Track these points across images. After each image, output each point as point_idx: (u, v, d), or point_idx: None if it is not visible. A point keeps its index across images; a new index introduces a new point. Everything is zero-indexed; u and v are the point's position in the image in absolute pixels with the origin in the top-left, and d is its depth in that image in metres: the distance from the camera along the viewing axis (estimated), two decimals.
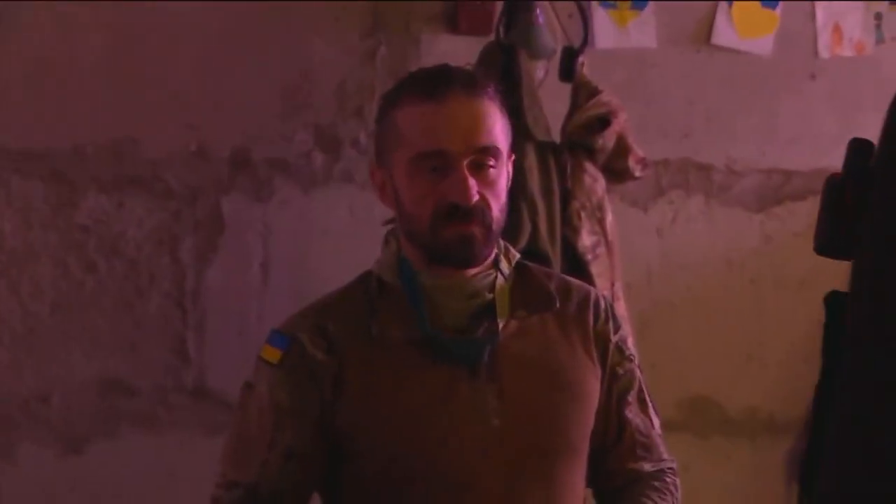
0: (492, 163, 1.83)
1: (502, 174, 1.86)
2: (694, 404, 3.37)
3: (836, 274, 3.64)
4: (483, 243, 1.84)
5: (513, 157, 1.91)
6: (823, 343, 2.94)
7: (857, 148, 1.97)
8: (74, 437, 3.05)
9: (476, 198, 1.81)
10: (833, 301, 2.83)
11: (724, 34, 3.31)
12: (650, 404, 2.02)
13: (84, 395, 3.04)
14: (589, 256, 2.89)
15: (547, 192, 2.86)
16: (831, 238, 3.00)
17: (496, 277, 1.89)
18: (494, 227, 1.85)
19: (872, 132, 3.67)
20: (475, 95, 1.84)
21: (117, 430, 3.06)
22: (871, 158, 1.56)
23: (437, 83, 1.83)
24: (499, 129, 1.85)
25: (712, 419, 3.38)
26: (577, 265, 2.88)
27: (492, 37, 2.94)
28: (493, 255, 1.90)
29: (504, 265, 1.91)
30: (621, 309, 2.97)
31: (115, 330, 3.05)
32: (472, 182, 1.81)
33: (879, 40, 3.40)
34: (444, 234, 1.82)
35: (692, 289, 3.35)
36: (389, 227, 1.98)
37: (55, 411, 3.04)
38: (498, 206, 1.85)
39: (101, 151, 3.03)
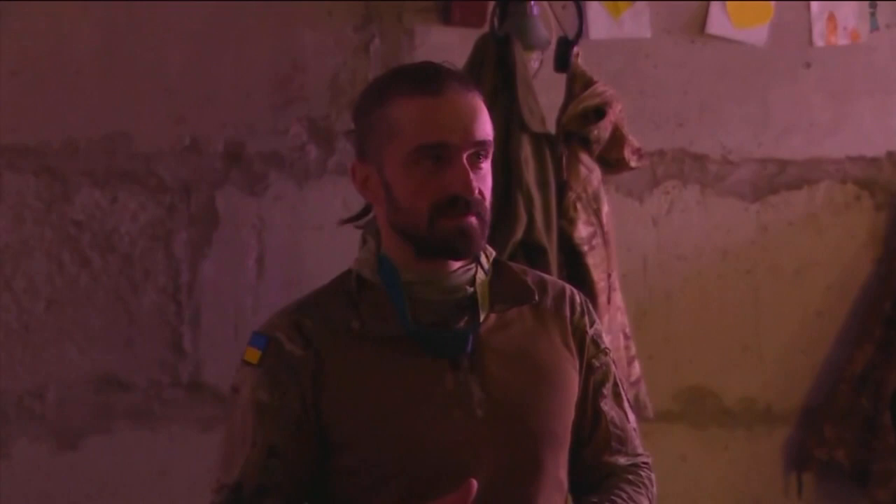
0: (485, 157, 1.85)
1: (489, 168, 1.88)
2: (691, 395, 3.37)
3: (831, 264, 3.67)
4: (480, 235, 1.85)
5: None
6: None
7: None
8: (69, 432, 3.04)
9: (477, 190, 1.82)
10: None
11: (718, 24, 3.30)
12: (625, 398, 2.02)
13: (78, 391, 3.04)
14: (585, 247, 2.89)
15: (543, 184, 2.85)
16: None
17: (476, 272, 1.90)
18: (488, 219, 1.86)
19: (867, 120, 3.70)
20: (469, 90, 1.85)
21: (112, 426, 3.05)
22: None
23: (432, 77, 1.83)
24: (490, 125, 1.86)
25: (709, 409, 3.39)
26: (573, 256, 2.87)
27: (485, 28, 2.93)
28: None
29: (483, 259, 1.92)
30: (618, 300, 2.96)
31: (109, 325, 3.04)
32: (472, 175, 1.82)
33: (874, 28, 3.39)
34: (444, 225, 1.82)
35: (688, 279, 3.35)
36: (348, 224, 1.99)
37: (50, 407, 3.03)
38: (489, 198, 1.87)
39: (93, 146, 3.02)
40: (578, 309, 1.98)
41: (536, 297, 1.94)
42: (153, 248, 3.06)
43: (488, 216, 1.85)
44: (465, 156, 1.82)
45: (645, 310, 3.29)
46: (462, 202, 1.81)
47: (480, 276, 1.90)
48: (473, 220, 1.82)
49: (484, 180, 1.85)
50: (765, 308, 3.40)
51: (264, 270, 3.10)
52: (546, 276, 2.05)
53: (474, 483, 1.74)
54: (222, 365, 3.02)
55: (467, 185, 1.81)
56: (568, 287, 2.01)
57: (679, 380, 3.35)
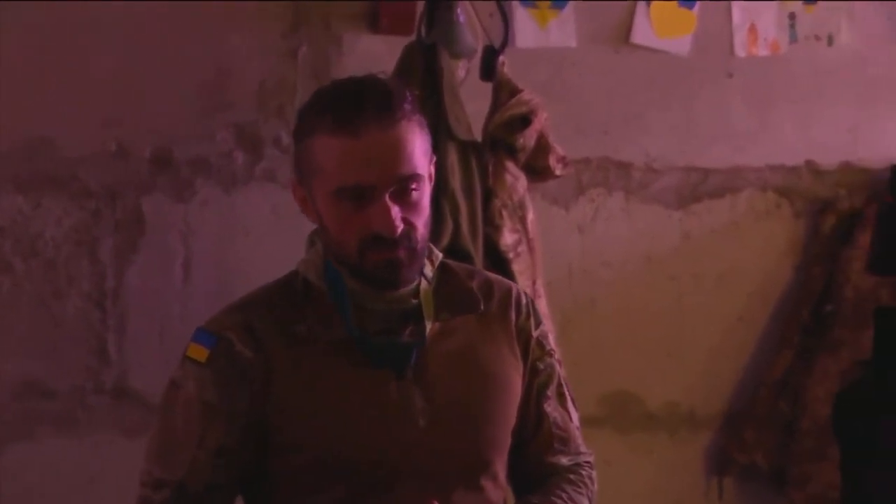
0: (414, 187, 1.83)
1: (425, 191, 1.86)
2: (615, 400, 3.40)
3: (752, 271, 3.73)
4: (409, 266, 1.85)
5: (434, 159, 1.91)
6: (875, 353, 3.01)
7: None
8: None
9: (401, 227, 1.82)
10: (883, 315, 2.90)
11: (642, 34, 3.34)
12: (569, 398, 2.04)
13: (1, 398, 3.00)
14: (510, 254, 2.91)
15: (469, 191, 2.87)
16: (885, 258, 3.08)
17: (420, 282, 1.90)
18: (420, 247, 1.86)
19: (787, 129, 3.76)
20: (391, 121, 1.80)
21: (35, 433, 3.02)
22: None
23: (352, 112, 1.79)
24: (419, 152, 1.84)
25: (633, 414, 3.42)
26: (498, 263, 2.89)
27: (413, 36, 2.94)
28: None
29: (428, 268, 1.93)
30: (543, 307, 2.98)
31: (33, 331, 3.01)
32: (395, 212, 1.81)
33: (793, 40, 3.46)
34: (372, 259, 1.83)
35: (613, 286, 3.38)
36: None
37: None
38: (423, 223, 1.86)
39: (17, 150, 2.99)
40: (524, 311, 2.00)
41: (482, 307, 1.95)
42: (78, 254, 3.03)
43: (420, 243, 1.84)
44: (387, 193, 1.80)
45: (570, 316, 3.31)
46: (387, 240, 1.81)
47: (424, 286, 1.90)
48: (401, 253, 1.82)
49: (414, 208, 1.83)
50: (688, 314, 3.44)
51: (191, 277, 3.09)
52: (493, 276, 2.05)
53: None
54: (148, 371, 3.01)
55: (388, 224, 1.80)
56: (514, 288, 2.02)
57: (604, 385, 3.38)
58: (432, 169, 1.89)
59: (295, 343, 1.86)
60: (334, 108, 1.82)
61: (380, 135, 1.79)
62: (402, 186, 1.81)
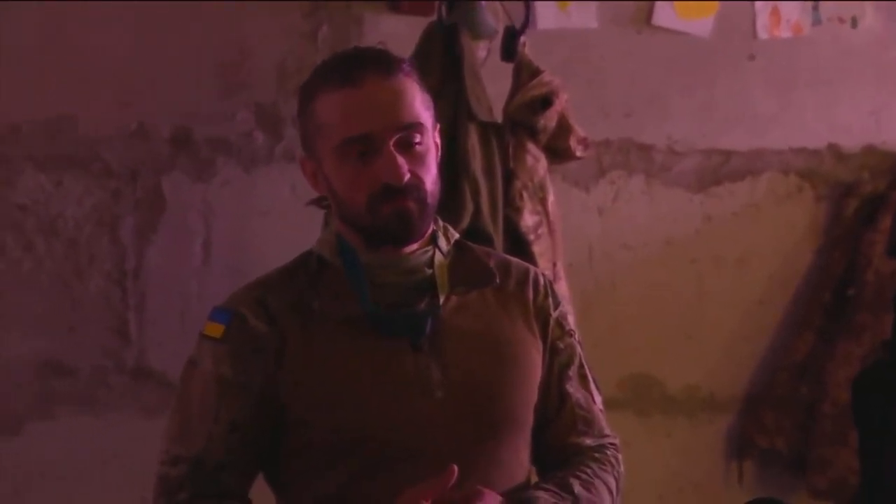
0: (417, 139, 1.85)
1: (430, 148, 1.88)
2: (635, 382, 3.40)
3: (773, 254, 3.71)
4: (420, 218, 1.86)
5: (438, 127, 1.92)
6: (893, 338, 2.99)
7: None
8: (11, 417, 3.02)
9: (408, 176, 1.83)
10: None
11: (664, 15, 3.33)
12: (591, 380, 2.04)
13: (21, 376, 3.02)
14: (531, 236, 2.90)
15: (489, 173, 2.87)
16: None
17: (434, 253, 1.91)
18: (429, 200, 1.87)
19: (809, 112, 3.73)
20: (390, 74, 1.84)
21: (55, 411, 3.03)
22: None
23: (351, 68, 1.84)
24: (419, 104, 1.86)
25: (653, 397, 3.42)
26: (519, 245, 2.89)
27: (434, 17, 2.94)
28: (430, 231, 1.92)
29: (442, 242, 1.94)
30: (563, 288, 2.98)
31: (53, 310, 3.02)
32: (401, 161, 1.82)
33: (816, 22, 3.43)
34: (382, 212, 1.84)
35: (633, 268, 3.38)
36: (313, 206, 1.98)
37: None
38: (430, 179, 1.87)
39: (38, 130, 3.00)
40: (542, 291, 1.99)
41: (497, 280, 1.95)
42: (98, 234, 3.04)
43: (429, 197, 1.86)
44: (391, 142, 1.82)
45: (590, 299, 3.31)
46: (395, 189, 1.82)
47: (439, 258, 1.91)
48: (411, 204, 1.83)
49: (420, 161, 1.85)
50: (708, 297, 3.44)
51: (210, 256, 3.10)
52: (511, 258, 2.06)
53: (454, 469, 1.76)
54: (167, 351, 3.02)
55: (395, 172, 1.81)
56: (532, 269, 2.02)
57: (623, 367, 3.38)
58: (437, 137, 1.90)
59: (309, 319, 1.87)
60: (334, 67, 1.86)
61: (380, 84, 1.83)
62: (406, 137, 1.83)
